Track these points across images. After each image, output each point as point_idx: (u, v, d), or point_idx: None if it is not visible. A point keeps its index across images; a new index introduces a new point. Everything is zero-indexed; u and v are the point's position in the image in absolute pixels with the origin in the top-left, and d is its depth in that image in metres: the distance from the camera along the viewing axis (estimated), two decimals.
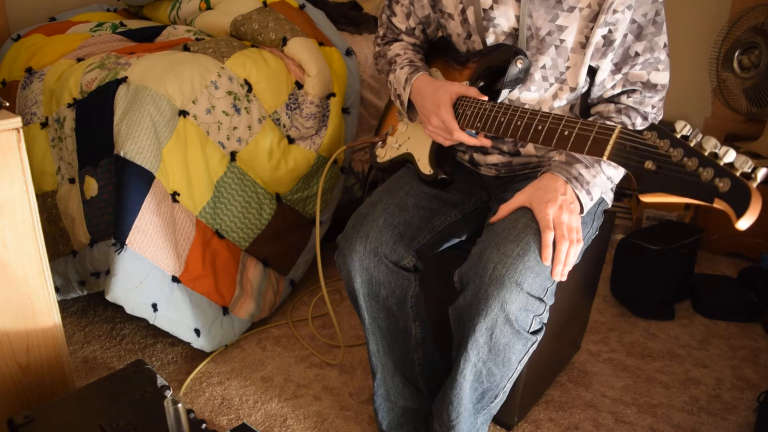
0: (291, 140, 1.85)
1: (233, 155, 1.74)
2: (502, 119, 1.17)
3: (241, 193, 1.77)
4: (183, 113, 1.64)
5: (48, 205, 1.80)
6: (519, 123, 1.14)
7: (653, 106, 1.25)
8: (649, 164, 0.91)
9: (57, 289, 1.79)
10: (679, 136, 0.89)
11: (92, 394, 1.28)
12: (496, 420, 1.50)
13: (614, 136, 0.99)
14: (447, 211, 1.34)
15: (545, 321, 1.18)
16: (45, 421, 1.19)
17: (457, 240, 1.38)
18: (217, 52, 1.77)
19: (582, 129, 1.04)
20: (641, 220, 2.37)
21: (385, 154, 1.49)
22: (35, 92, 1.80)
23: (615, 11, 1.16)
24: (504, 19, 1.23)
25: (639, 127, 1.24)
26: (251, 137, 1.76)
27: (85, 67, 1.70)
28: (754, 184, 0.80)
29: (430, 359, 1.40)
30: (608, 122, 1.21)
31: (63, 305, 1.95)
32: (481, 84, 1.27)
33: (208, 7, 2.05)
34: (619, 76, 1.23)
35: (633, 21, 1.18)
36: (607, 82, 1.24)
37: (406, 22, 1.43)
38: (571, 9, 1.18)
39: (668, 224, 2.10)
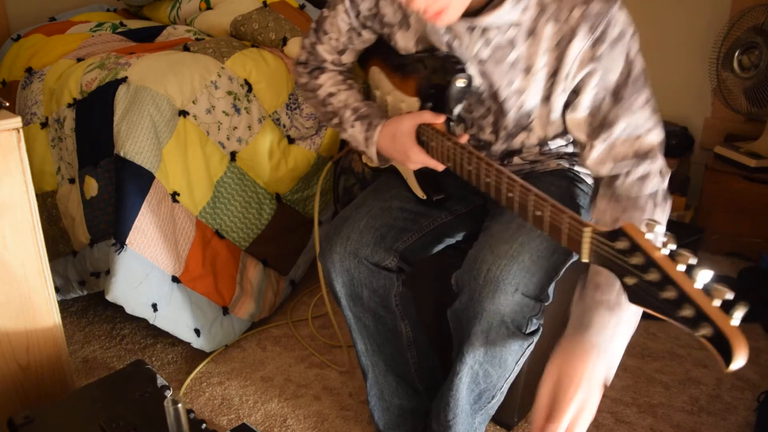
0: (291, 140, 1.85)
1: (233, 155, 1.73)
2: (470, 167, 1.06)
3: (241, 193, 1.77)
4: (183, 113, 1.64)
5: (48, 205, 1.79)
6: (488, 181, 1.02)
7: (661, 171, 1.09)
8: (628, 280, 0.79)
9: (57, 289, 1.79)
10: (648, 236, 0.77)
11: (92, 394, 1.28)
12: (496, 420, 1.50)
13: (586, 238, 0.85)
14: (435, 213, 1.33)
15: (542, 321, 1.18)
16: (45, 421, 1.19)
17: (452, 240, 1.36)
18: (217, 52, 1.77)
19: (554, 217, 0.90)
20: None
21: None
22: (35, 92, 1.80)
23: (575, 77, 1.06)
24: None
25: (660, 200, 1.09)
26: (251, 137, 1.76)
27: (85, 67, 1.70)
28: (735, 323, 0.70)
29: (425, 357, 1.40)
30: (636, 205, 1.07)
31: (63, 305, 1.95)
32: (429, 105, 1.17)
33: (208, 7, 2.05)
34: (603, 146, 1.08)
35: (605, 85, 1.05)
36: (588, 152, 1.10)
37: (335, 55, 1.33)
38: (527, 70, 1.09)
39: (668, 224, 2.10)
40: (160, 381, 1.30)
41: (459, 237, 1.37)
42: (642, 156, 1.07)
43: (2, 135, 1.16)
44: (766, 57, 2.14)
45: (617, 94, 1.05)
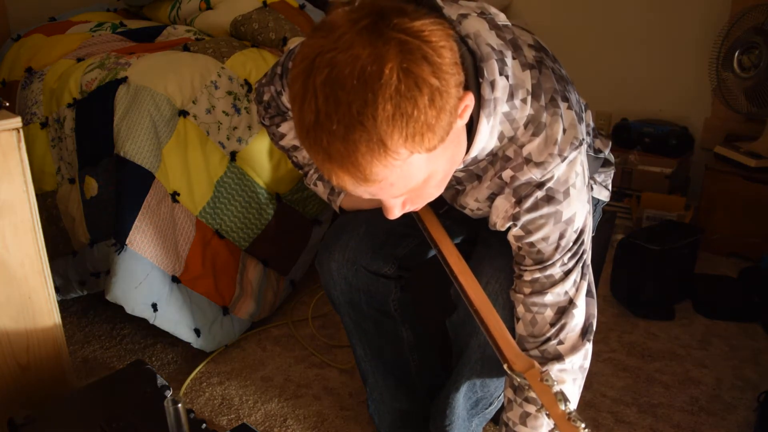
0: None
1: (233, 155, 1.73)
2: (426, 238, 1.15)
3: (241, 193, 1.77)
4: (183, 113, 1.64)
5: (48, 205, 1.79)
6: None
7: (581, 367, 1.09)
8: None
9: (57, 289, 1.78)
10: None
11: (92, 394, 1.28)
12: (496, 420, 1.50)
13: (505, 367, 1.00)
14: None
15: None
16: (45, 421, 1.19)
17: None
18: (217, 52, 1.77)
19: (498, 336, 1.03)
20: (641, 220, 2.37)
21: None
22: (35, 92, 1.80)
23: (502, 227, 1.03)
24: None
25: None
26: (251, 137, 1.76)
27: (85, 67, 1.70)
28: None
29: (426, 360, 1.40)
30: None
31: (63, 305, 1.95)
32: None
33: (208, 7, 2.05)
34: (520, 297, 1.05)
35: (531, 244, 1.00)
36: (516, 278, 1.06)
37: None
38: (473, 198, 1.08)
39: (668, 224, 2.10)
40: (160, 381, 1.30)
41: (457, 240, 1.37)
42: (552, 358, 1.04)
43: (2, 135, 1.16)
44: (766, 57, 2.14)
45: (541, 261, 1.00)
